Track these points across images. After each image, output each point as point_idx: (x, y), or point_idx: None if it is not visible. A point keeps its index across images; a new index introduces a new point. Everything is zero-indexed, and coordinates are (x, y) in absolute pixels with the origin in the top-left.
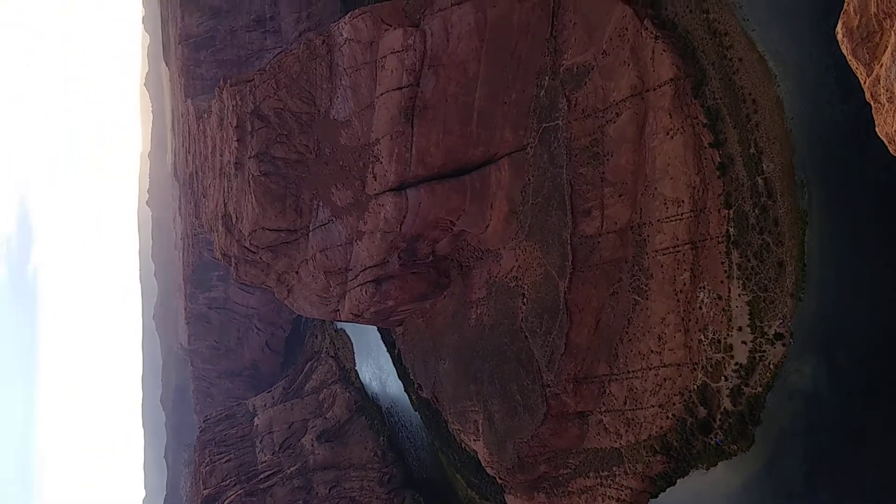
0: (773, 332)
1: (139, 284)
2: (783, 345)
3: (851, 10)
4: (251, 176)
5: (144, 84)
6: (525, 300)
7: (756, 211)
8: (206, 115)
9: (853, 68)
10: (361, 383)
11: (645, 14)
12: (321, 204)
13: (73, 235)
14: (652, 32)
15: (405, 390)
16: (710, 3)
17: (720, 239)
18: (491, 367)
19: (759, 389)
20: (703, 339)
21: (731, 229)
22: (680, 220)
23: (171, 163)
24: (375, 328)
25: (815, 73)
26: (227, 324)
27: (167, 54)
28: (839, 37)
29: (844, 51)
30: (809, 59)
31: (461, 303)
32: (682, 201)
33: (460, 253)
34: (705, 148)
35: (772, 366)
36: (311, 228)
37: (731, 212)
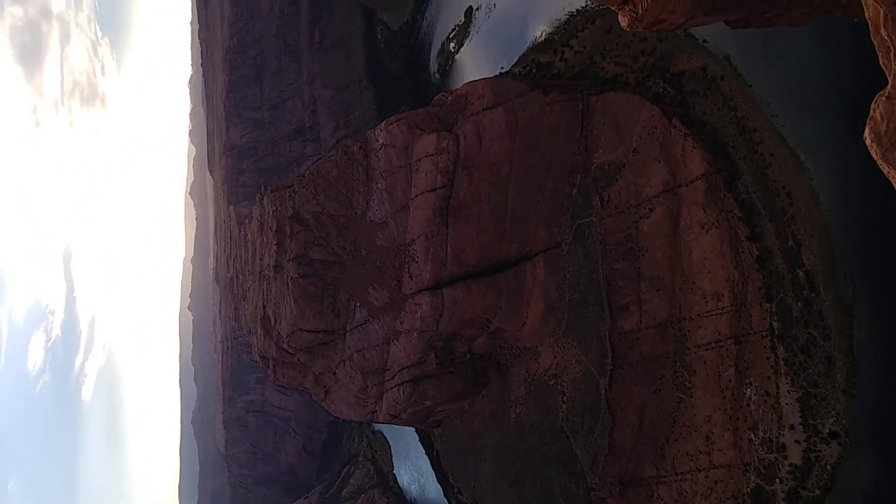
0: (827, 431)
1: (178, 389)
2: (839, 444)
3: (878, 115)
4: (290, 278)
5: (189, 192)
6: (565, 398)
7: (799, 304)
8: (247, 221)
9: (885, 172)
10: (400, 488)
11: (673, 113)
12: (358, 304)
13: (117, 342)
14: (681, 130)
15: (444, 494)
16: (738, 101)
17: (764, 333)
18: (532, 469)
19: (818, 492)
20: (753, 438)
21: (775, 323)
22: (721, 314)
23: (213, 267)
24: (413, 430)
25: (849, 166)
26: (264, 427)
27: (212, 164)
28: (868, 142)
29: (874, 155)
30: (842, 152)
31: (500, 402)
32: (722, 295)
33: (497, 351)
34: (742, 241)
35: (828, 466)
36: (348, 329)
37: (774, 305)
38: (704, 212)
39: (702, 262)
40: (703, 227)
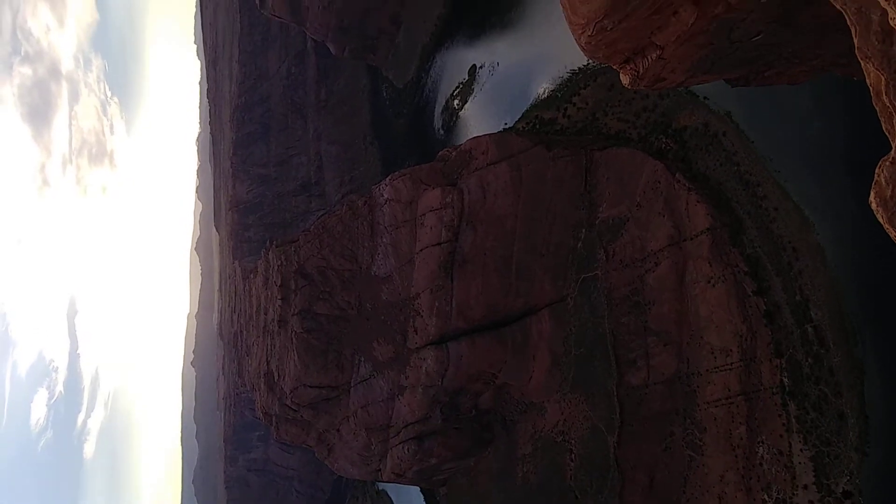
0: (840, 490)
1: (180, 447)
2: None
3: (882, 180)
4: (294, 333)
5: (195, 248)
6: (573, 456)
7: (809, 360)
8: (252, 276)
9: (892, 237)
10: None
11: (676, 168)
12: (363, 359)
13: (120, 398)
14: (684, 185)
15: None
16: (740, 157)
17: (775, 390)
18: None
19: None
20: (766, 498)
21: (786, 380)
22: (730, 370)
23: (217, 323)
24: (418, 489)
25: (853, 221)
26: (266, 487)
27: (218, 220)
28: (873, 206)
29: (881, 219)
30: (846, 207)
31: (506, 459)
32: (731, 350)
33: (503, 407)
34: (749, 296)
35: None
36: (352, 384)
37: (783, 361)
38: (710, 266)
39: (709, 317)
40: (709, 282)
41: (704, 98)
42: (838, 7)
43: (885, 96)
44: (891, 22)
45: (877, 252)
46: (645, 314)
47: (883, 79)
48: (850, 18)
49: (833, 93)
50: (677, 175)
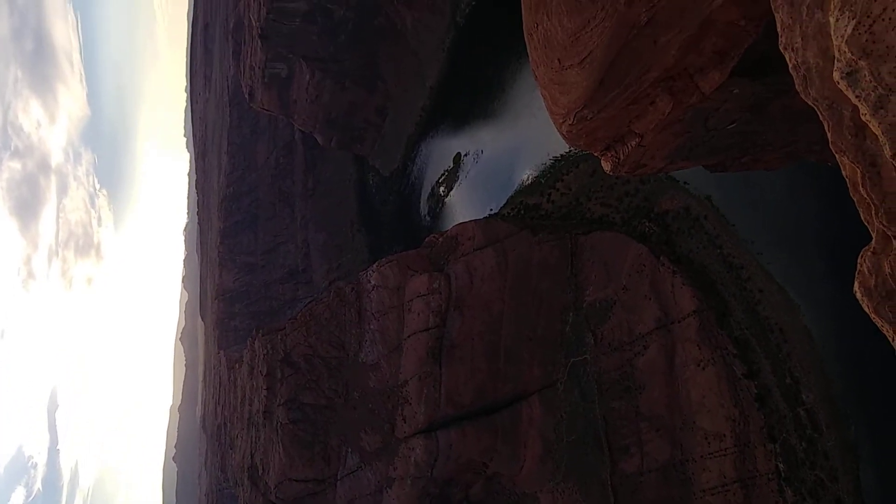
0: None
1: None
2: None
3: (866, 270)
4: (279, 424)
5: (180, 339)
6: None
7: (803, 444)
8: (237, 366)
9: (878, 326)
10: None
11: (660, 251)
12: (350, 450)
13: (99, 495)
14: (669, 268)
15: None
16: (723, 240)
17: (770, 476)
18: None
19: None
20: None
21: (781, 465)
22: (724, 455)
23: (201, 415)
24: None
25: (838, 302)
26: None
27: (204, 309)
28: (858, 296)
29: (866, 309)
30: (829, 289)
31: None
32: (724, 435)
33: (495, 498)
34: (740, 379)
35: None
36: (339, 477)
37: (778, 446)
38: (699, 349)
39: (701, 401)
40: (698, 365)
41: (684, 183)
42: (810, 103)
43: (861, 188)
44: (862, 117)
45: (863, 333)
46: (636, 399)
47: (859, 171)
48: (822, 114)
49: (809, 177)
50: (661, 258)
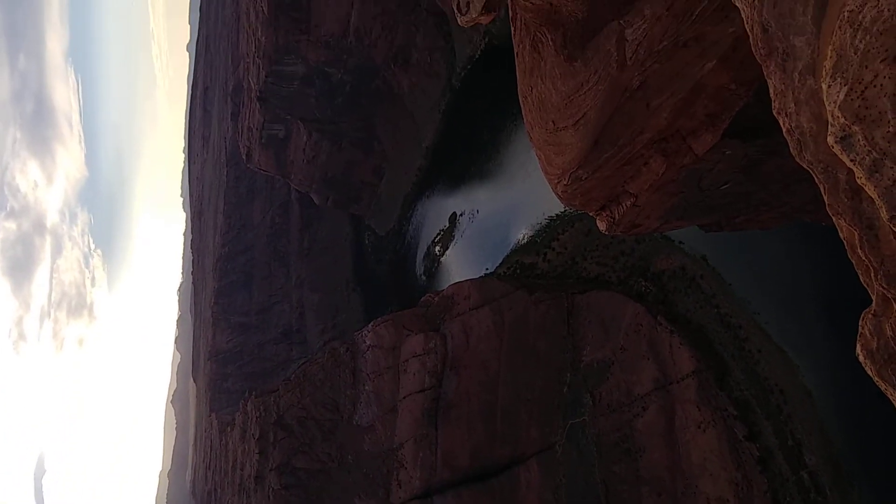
0: None
1: None
2: None
3: (867, 332)
4: (271, 489)
5: (171, 401)
6: None
7: None
8: (229, 429)
9: (882, 389)
10: None
11: (657, 311)
12: None
13: None
14: (666, 327)
15: None
16: (720, 299)
17: None
18: None
19: None
20: None
21: None
22: None
23: (191, 480)
24: None
25: (838, 363)
26: None
27: (196, 371)
28: (861, 359)
29: (870, 372)
30: (830, 349)
31: None
32: (727, 500)
33: None
34: (741, 441)
35: None
36: None
37: None
38: (699, 410)
39: (702, 464)
40: (699, 427)
41: (680, 243)
42: (805, 166)
43: (859, 250)
44: (858, 181)
45: (865, 394)
46: (636, 462)
47: (856, 234)
48: (818, 177)
49: (805, 236)
50: (659, 318)
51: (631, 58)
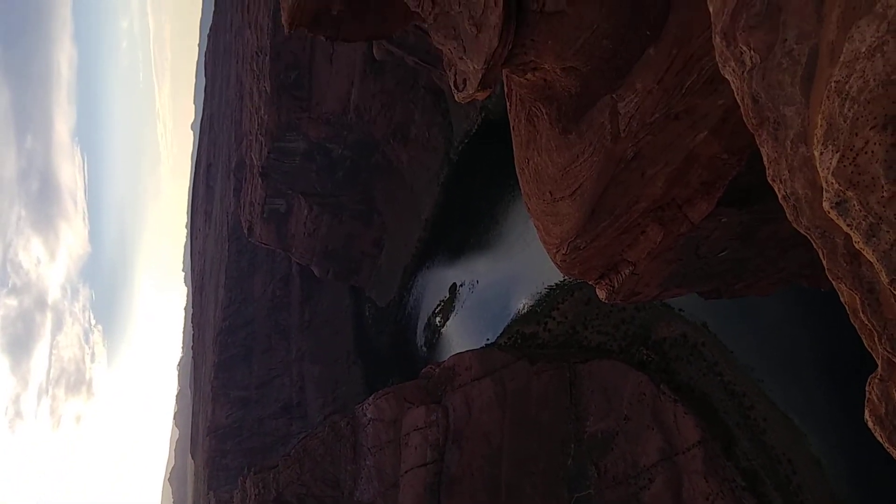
0: None
1: None
2: None
3: (875, 398)
4: None
5: (168, 479)
6: None
7: None
8: None
9: (893, 455)
10: None
11: (660, 379)
12: None
13: None
14: (670, 396)
15: None
16: (722, 367)
17: None
18: None
19: None
20: None
21: None
22: None
23: None
24: None
25: (847, 430)
26: None
27: (194, 447)
28: (870, 424)
29: (879, 438)
30: (835, 416)
31: None
32: None
33: None
34: None
35: None
36: None
37: None
38: (706, 481)
39: None
40: (707, 499)
41: (680, 310)
42: (802, 231)
43: (861, 314)
44: (856, 245)
45: (876, 460)
46: None
47: (857, 298)
48: (815, 242)
49: (805, 300)
50: (662, 386)
51: (624, 130)
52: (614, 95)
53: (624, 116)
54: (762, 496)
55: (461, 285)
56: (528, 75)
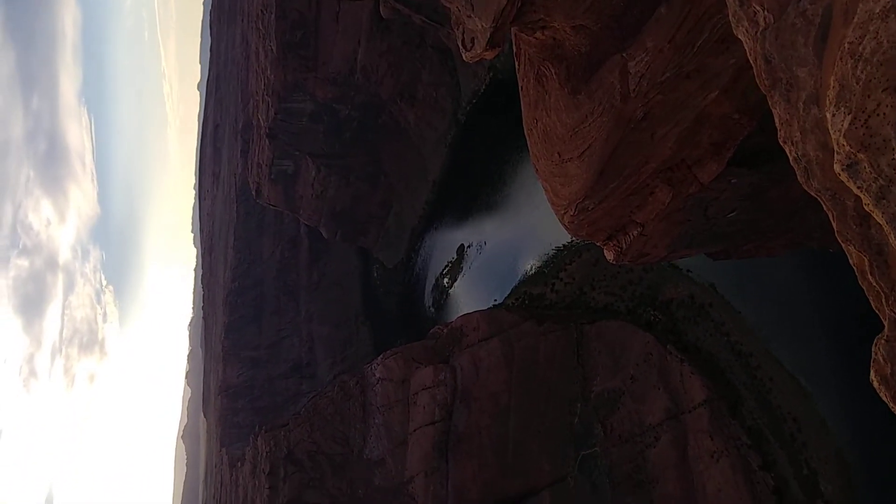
0: None
1: None
2: None
3: (881, 358)
4: None
5: (182, 436)
6: None
7: None
8: (239, 464)
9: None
10: None
11: (667, 340)
12: None
13: None
14: (677, 356)
15: None
16: (730, 327)
17: None
18: None
19: None
20: None
21: None
22: None
23: None
24: None
25: (852, 389)
26: None
27: (206, 406)
28: (875, 384)
29: (885, 398)
30: (842, 377)
31: None
32: None
33: None
34: (755, 471)
35: None
36: None
37: None
38: (712, 439)
39: (716, 495)
40: (712, 457)
41: (688, 271)
42: (813, 193)
43: (870, 276)
44: (865, 207)
45: (881, 420)
46: (650, 493)
47: (866, 260)
48: (825, 204)
49: (814, 262)
50: (668, 347)
51: (634, 90)
52: (624, 55)
53: (634, 76)
54: (767, 454)
55: (469, 246)
56: (538, 34)
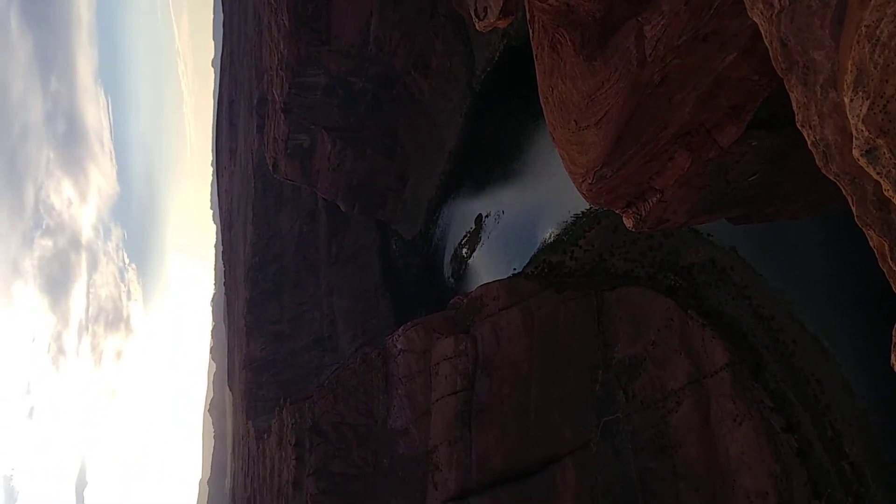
0: None
1: None
2: None
3: None
4: (309, 495)
5: (208, 410)
6: None
7: (850, 500)
8: (265, 436)
9: None
10: None
11: (688, 305)
12: None
13: None
14: (698, 321)
15: None
16: (751, 291)
17: None
18: None
19: None
20: None
21: None
22: None
23: (230, 488)
24: None
25: (877, 352)
26: None
27: (231, 380)
28: None
29: None
30: (866, 338)
31: None
32: (767, 494)
33: None
34: (779, 433)
35: None
36: None
37: (823, 502)
38: (734, 403)
39: (739, 458)
40: (735, 420)
41: (708, 235)
42: (832, 178)
43: (890, 260)
44: (885, 192)
45: None
46: (672, 458)
47: (886, 244)
48: (845, 189)
49: (835, 224)
50: (690, 312)
51: (651, 54)
52: (640, 19)
53: (650, 40)
54: (790, 416)
55: (487, 216)
56: (550, 0)
